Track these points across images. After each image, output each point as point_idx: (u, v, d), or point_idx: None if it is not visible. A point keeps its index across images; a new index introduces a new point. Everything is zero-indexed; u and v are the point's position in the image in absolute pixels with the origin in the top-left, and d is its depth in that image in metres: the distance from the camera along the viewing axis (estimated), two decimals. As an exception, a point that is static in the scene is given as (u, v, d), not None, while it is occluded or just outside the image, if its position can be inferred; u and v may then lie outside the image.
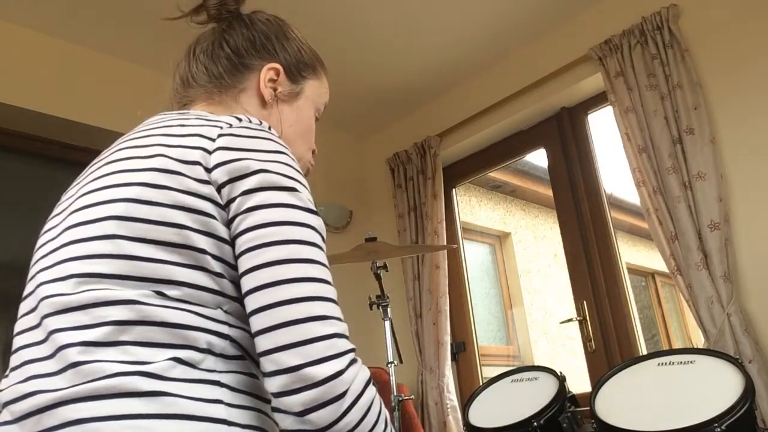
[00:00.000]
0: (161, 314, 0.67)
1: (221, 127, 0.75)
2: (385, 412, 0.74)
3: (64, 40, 2.57)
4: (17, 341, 0.72)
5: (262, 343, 0.66)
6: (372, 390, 0.70)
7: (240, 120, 0.77)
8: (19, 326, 0.73)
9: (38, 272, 0.74)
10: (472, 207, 4.70)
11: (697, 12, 2.39)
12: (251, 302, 0.68)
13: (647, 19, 2.43)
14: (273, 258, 0.68)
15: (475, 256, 4.62)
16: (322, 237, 0.74)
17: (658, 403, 1.50)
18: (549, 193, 2.97)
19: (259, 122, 0.79)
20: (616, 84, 2.50)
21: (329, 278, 0.71)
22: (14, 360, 0.72)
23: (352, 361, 0.68)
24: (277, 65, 0.94)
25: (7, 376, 0.71)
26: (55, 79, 2.52)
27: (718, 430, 1.31)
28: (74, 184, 0.82)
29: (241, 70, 0.93)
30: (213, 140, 0.73)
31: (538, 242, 5.05)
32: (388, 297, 2.17)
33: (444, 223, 3.05)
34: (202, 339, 0.68)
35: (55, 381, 0.65)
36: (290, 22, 1.01)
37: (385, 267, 2.15)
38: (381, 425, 0.70)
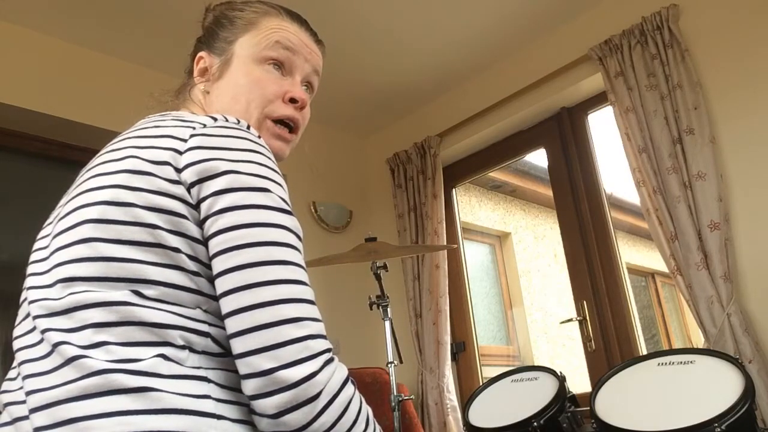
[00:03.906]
0: (140, 314, 0.67)
1: (194, 128, 0.75)
2: (368, 409, 0.73)
3: (64, 40, 2.57)
4: (16, 344, 0.74)
5: (236, 346, 0.66)
6: (349, 389, 0.70)
7: (215, 120, 0.77)
8: (17, 331, 0.75)
9: (29, 277, 0.76)
10: (472, 207, 4.70)
11: (697, 12, 2.39)
12: (225, 305, 0.68)
13: (647, 19, 2.43)
14: (245, 261, 0.68)
15: (475, 256, 4.62)
16: (298, 236, 0.73)
17: (658, 403, 1.50)
18: (549, 193, 2.97)
19: (236, 121, 0.78)
20: (616, 84, 2.50)
21: (304, 278, 0.71)
22: (16, 362, 0.73)
23: (328, 362, 0.67)
24: (200, 53, 0.96)
25: (13, 378, 0.72)
26: (55, 79, 2.52)
27: (718, 430, 1.31)
28: (67, 192, 0.84)
29: (188, 73, 0.99)
30: (185, 141, 0.73)
31: (538, 242, 5.05)
32: (388, 297, 2.17)
33: (444, 223, 3.05)
34: (179, 336, 0.68)
35: (50, 379, 0.66)
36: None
37: (385, 267, 2.15)
38: (361, 424, 0.70)
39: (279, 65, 0.93)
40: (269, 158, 0.76)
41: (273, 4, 0.97)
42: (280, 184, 0.75)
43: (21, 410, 0.67)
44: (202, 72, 0.96)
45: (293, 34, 0.95)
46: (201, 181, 0.71)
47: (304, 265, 0.72)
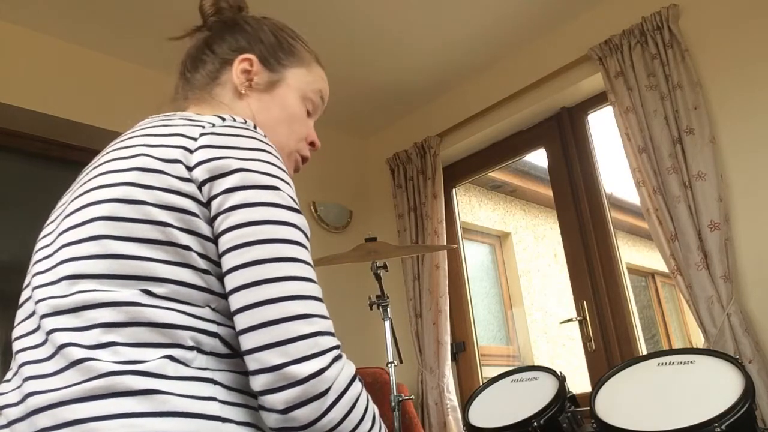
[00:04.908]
0: (149, 314, 0.67)
1: (203, 126, 0.75)
2: (374, 407, 0.74)
3: (65, 40, 2.57)
4: (16, 345, 0.73)
5: (246, 342, 0.67)
6: (357, 386, 0.70)
7: (223, 119, 0.77)
8: (17, 331, 0.74)
9: (34, 276, 0.75)
10: (472, 207, 4.70)
11: (697, 12, 2.39)
12: (234, 302, 0.68)
13: (647, 19, 2.43)
14: (255, 257, 0.68)
15: (475, 256, 4.62)
16: (306, 235, 0.74)
17: (658, 403, 1.50)
18: (549, 193, 2.97)
19: (243, 121, 0.79)
20: (616, 84, 2.50)
21: (313, 276, 0.72)
22: (14, 363, 0.72)
23: (336, 358, 0.68)
24: (250, 55, 0.95)
25: (8, 380, 0.72)
26: (55, 79, 2.52)
27: (718, 430, 1.31)
28: (68, 190, 0.84)
29: (216, 65, 0.95)
30: (195, 139, 0.74)
31: (538, 242, 5.05)
32: (388, 297, 2.17)
33: (444, 223, 3.05)
34: (189, 337, 0.68)
35: (53, 381, 0.66)
36: (285, 20, 1.02)
37: (385, 267, 2.15)
38: (368, 422, 0.71)
39: (310, 110, 1.00)
40: (277, 157, 0.77)
41: (314, 51, 1.03)
42: (288, 183, 0.76)
43: (17, 412, 0.66)
44: (245, 72, 0.94)
45: (327, 88, 1.03)
46: (212, 179, 0.71)
47: (311, 262, 0.73)
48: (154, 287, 0.68)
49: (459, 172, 3.34)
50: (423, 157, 3.21)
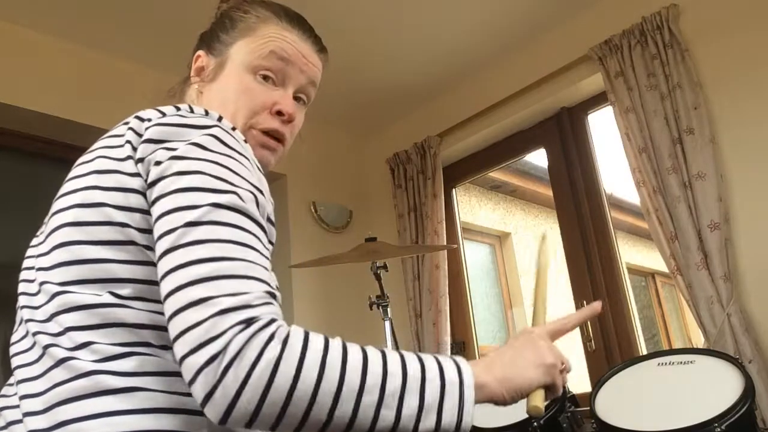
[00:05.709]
0: (120, 315, 0.67)
1: (151, 120, 0.74)
2: (317, 350, 0.62)
3: (65, 40, 2.57)
4: (11, 350, 0.75)
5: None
6: (272, 351, 0.59)
7: (178, 109, 0.75)
8: (12, 338, 0.76)
9: (20, 282, 0.77)
10: (472, 207, 4.69)
11: (697, 12, 2.38)
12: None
13: (647, 19, 2.43)
14: (163, 248, 0.64)
15: (475, 256, 4.62)
16: (237, 210, 0.66)
17: (658, 403, 1.51)
18: (549, 193, 2.96)
19: (204, 112, 0.75)
20: (616, 84, 2.50)
21: (231, 254, 0.63)
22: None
23: (241, 331, 0.59)
24: (198, 52, 0.95)
25: (11, 384, 0.73)
26: (56, 79, 2.52)
27: (718, 430, 1.31)
28: None
29: (188, 71, 0.98)
30: (140, 135, 0.73)
31: (538, 242, 5.05)
32: (388, 297, 2.16)
33: (444, 223, 3.05)
34: (159, 336, 0.68)
35: (42, 383, 0.67)
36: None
37: (385, 267, 2.15)
38: (309, 377, 0.60)
39: (271, 76, 0.91)
40: (221, 141, 0.71)
41: (277, 9, 0.94)
42: (222, 165, 0.69)
43: (15, 414, 0.68)
44: (198, 71, 0.95)
45: (290, 44, 0.91)
46: (147, 172, 0.70)
47: (241, 239, 0.65)
48: (118, 289, 0.68)
49: (459, 172, 3.34)
50: (423, 157, 3.21)
